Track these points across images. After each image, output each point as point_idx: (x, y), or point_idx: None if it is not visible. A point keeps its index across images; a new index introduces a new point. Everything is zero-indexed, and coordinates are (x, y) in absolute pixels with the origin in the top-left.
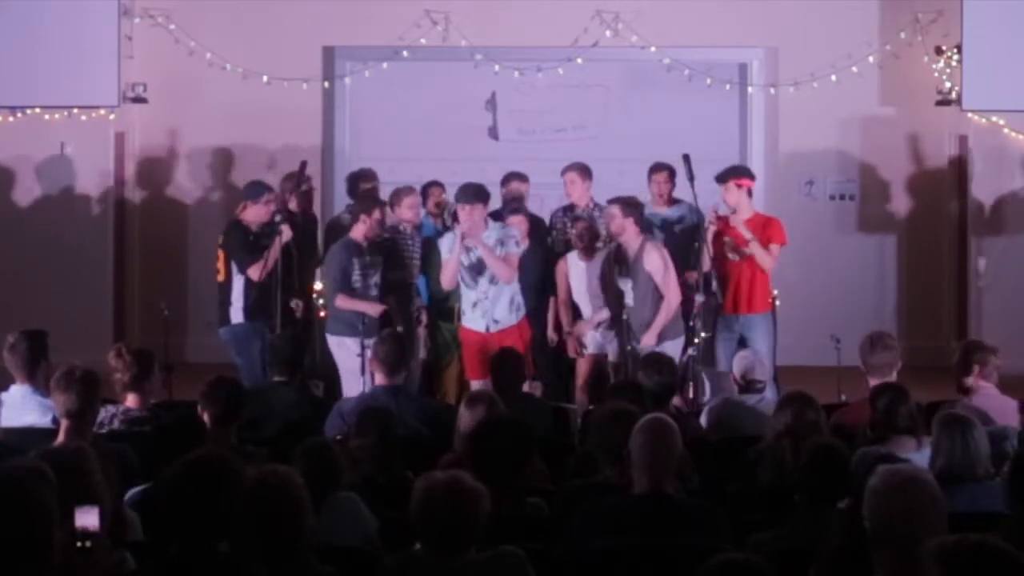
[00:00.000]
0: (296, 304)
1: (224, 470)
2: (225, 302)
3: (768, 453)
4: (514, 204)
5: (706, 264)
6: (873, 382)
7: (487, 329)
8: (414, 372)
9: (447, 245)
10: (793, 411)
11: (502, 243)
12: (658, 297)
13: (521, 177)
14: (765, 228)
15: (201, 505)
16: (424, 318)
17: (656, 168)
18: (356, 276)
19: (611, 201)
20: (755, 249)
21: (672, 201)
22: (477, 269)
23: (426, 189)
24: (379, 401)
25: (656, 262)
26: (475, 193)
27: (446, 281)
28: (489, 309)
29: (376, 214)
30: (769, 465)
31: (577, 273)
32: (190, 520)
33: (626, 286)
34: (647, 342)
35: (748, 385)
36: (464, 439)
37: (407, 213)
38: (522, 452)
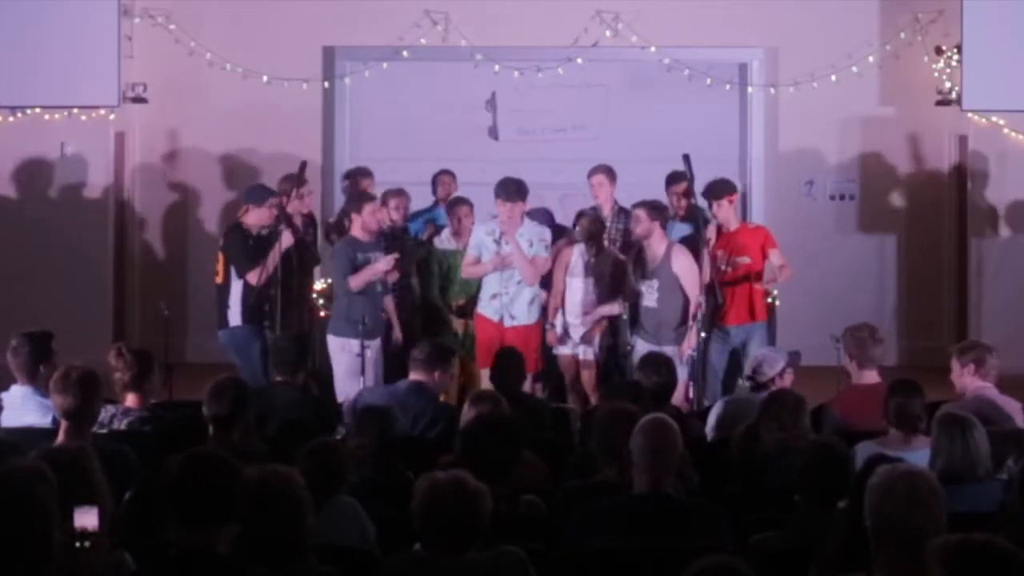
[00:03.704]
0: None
1: (224, 468)
2: (223, 304)
3: (739, 443)
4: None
5: (707, 274)
6: (871, 374)
7: (501, 320)
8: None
9: (478, 237)
10: (777, 408)
11: (530, 244)
12: (682, 300)
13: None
14: (756, 237)
15: (201, 501)
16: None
17: (674, 179)
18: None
19: (637, 205)
20: (783, 275)
21: (689, 212)
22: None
23: (436, 178)
24: (400, 395)
25: (685, 265)
26: (516, 190)
27: (473, 274)
28: (507, 304)
29: (368, 208)
30: (754, 459)
31: (579, 264)
32: (190, 516)
33: (649, 288)
34: (686, 348)
35: (757, 380)
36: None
37: (394, 215)
38: (508, 450)
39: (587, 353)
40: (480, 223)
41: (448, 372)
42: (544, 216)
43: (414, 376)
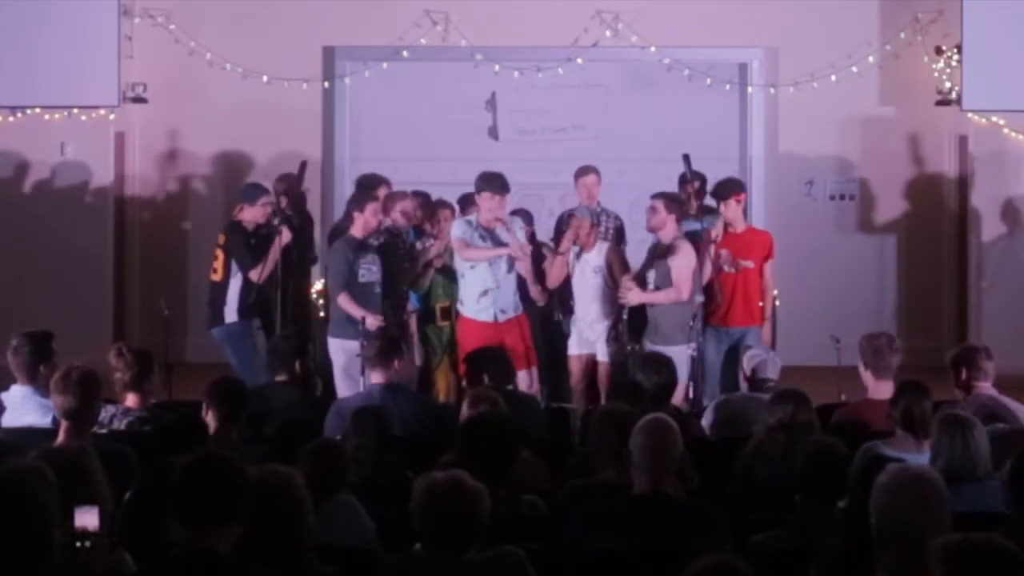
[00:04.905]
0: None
1: (226, 468)
2: (220, 301)
3: (759, 448)
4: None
5: (707, 274)
6: (886, 386)
7: (495, 319)
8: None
9: (460, 230)
10: (788, 407)
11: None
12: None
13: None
14: (761, 242)
15: (203, 501)
16: (414, 322)
17: (687, 177)
18: (362, 271)
19: (656, 196)
20: (767, 299)
21: (699, 211)
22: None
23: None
24: (375, 399)
25: (679, 258)
26: (502, 184)
27: (474, 257)
28: (498, 298)
29: (371, 208)
30: (761, 461)
31: (577, 265)
32: (191, 516)
33: (650, 279)
34: (632, 296)
35: (757, 383)
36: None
37: (400, 219)
38: (505, 450)
39: (605, 355)
40: (456, 223)
41: (404, 357)
42: (526, 218)
43: (377, 378)
